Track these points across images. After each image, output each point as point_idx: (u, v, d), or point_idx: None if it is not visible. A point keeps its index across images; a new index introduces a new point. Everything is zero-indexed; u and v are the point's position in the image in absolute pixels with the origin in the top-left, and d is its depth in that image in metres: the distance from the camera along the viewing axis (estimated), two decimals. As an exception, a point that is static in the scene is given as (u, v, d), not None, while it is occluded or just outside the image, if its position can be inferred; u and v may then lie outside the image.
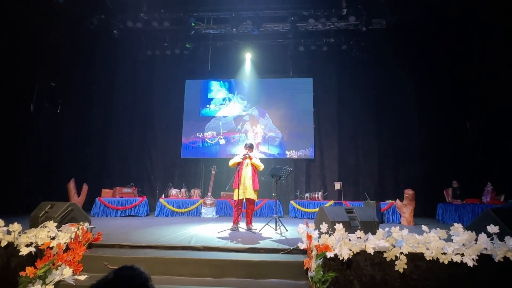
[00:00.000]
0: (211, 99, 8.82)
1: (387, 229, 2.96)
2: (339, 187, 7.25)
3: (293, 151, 8.29)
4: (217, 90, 8.83)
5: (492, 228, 2.64)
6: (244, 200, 4.70)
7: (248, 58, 8.52)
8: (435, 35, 7.53)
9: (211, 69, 8.60)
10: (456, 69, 7.46)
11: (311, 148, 8.23)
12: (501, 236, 2.67)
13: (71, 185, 7.00)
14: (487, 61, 6.85)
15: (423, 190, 7.06)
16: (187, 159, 8.55)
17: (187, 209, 7.10)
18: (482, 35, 6.77)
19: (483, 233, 2.65)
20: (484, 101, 7.02)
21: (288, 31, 7.89)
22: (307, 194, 7.46)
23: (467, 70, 7.29)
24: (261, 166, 4.76)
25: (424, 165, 7.51)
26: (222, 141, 8.52)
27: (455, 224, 2.77)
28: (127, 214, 6.96)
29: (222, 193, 7.40)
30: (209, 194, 7.07)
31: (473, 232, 2.70)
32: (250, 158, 4.71)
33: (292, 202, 7.16)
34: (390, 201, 6.67)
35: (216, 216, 7.03)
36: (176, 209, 7.09)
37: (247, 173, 4.65)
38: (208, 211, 6.96)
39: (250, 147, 4.81)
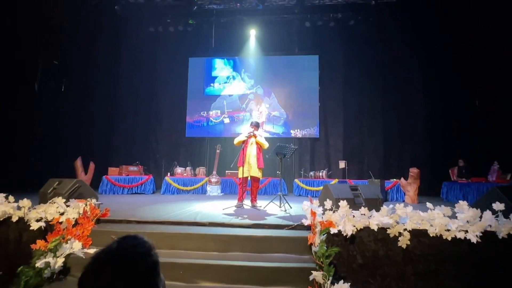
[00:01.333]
0: (215, 77, 8.76)
1: (391, 206, 2.95)
2: (343, 166, 7.24)
3: (298, 130, 8.30)
4: (221, 68, 8.76)
5: (498, 206, 2.64)
6: (249, 178, 4.70)
7: (252, 35, 8.41)
8: (444, 11, 7.38)
9: (214, 46, 8.49)
10: (464, 45, 7.31)
11: (316, 127, 8.23)
12: (506, 214, 2.67)
13: (78, 163, 7.02)
14: (496, 37, 6.75)
15: (429, 169, 7.05)
16: (192, 138, 8.57)
17: (192, 187, 7.18)
18: (491, 9, 6.67)
19: (488, 210, 2.64)
20: (492, 78, 6.92)
21: (293, 6, 7.71)
22: (312, 173, 7.52)
23: (476, 47, 7.16)
24: (266, 145, 4.74)
25: (431, 144, 7.47)
26: (227, 120, 8.52)
27: (460, 202, 2.76)
28: (134, 192, 7.04)
29: (227, 171, 7.47)
30: (214, 172, 7.10)
31: (478, 209, 2.69)
32: (255, 136, 4.69)
33: (296, 180, 7.21)
34: (395, 179, 6.67)
35: (221, 194, 7.08)
36: (181, 187, 7.17)
37: (251, 151, 4.64)
38: (213, 189, 7.00)
39: (256, 125, 4.79)
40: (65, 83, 7.84)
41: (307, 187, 7.12)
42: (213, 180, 7.06)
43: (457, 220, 2.68)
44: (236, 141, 4.76)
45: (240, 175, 4.61)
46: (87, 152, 7.54)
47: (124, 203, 5.13)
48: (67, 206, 3.20)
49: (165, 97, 8.69)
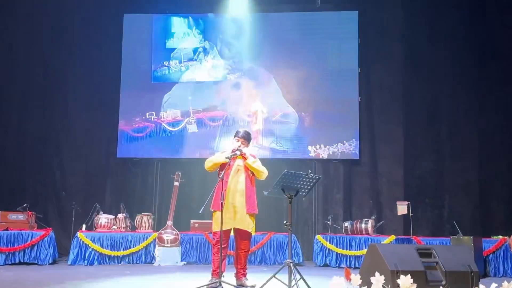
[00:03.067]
0: (172, 50, 8.71)
1: (495, 285, 2.97)
2: (405, 212, 7.18)
3: (321, 145, 8.19)
4: (182, 34, 8.72)
5: None
6: (233, 234, 4.85)
7: (239, -26, 8.50)
8: None
9: (170, -6, 8.69)
10: None
11: (354, 140, 8.13)
12: None
13: None
14: None
15: None
16: (128, 161, 8.56)
17: (128, 251, 7.15)
18: None
19: None
20: None
21: None
22: (347, 224, 7.49)
23: None
24: (263, 172, 4.89)
25: None
26: (192, 128, 8.43)
27: None
28: (18, 261, 6.96)
29: (192, 221, 7.52)
30: (169, 223, 7.12)
31: None
32: (244, 158, 4.86)
33: (319, 237, 7.26)
34: (501, 237, 6.73)
35: (182, 263, 7.11)
36: (108, 251, 7.11)
37: (237, 183, 4.82)
38: (168, 255, 6.99)
39: (244, 137, 4.99)
40: None
41: (339, 250, 7.08)
42: (167, 237, 7.05)
43: None
44: (209, 163, 4.92)
45: (216, 228, 4.72)
46: None
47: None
48: None
49: (78, 88, 8.74)
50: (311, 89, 8.36)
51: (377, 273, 3.21)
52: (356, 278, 3.28)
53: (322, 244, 7.14)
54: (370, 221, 7.30)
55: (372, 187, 8.14)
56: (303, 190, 4.60)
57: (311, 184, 4.58)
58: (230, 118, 8.41)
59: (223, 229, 4.56)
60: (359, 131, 8.16)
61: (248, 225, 4.76)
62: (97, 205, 7.64)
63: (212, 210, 4.82)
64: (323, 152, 8.17)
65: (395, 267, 3.69)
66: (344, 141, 8.13)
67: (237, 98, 8.50)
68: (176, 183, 7.24)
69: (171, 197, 7.24)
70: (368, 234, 7.15)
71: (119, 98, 8.56)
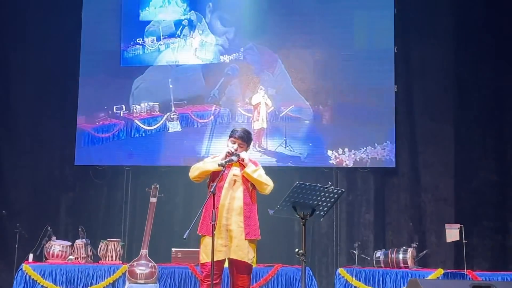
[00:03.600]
0: (147, 23, 8.76)
1: None
2: (456, 238, 7.00)
3: (345, 149, 8.06)
4: (161, 1, 8.74)
5: None
6: (227, 266, 4.88)
7: None
8: None
9: None
10: None
11: (388, 142, 7.96)
12: None
13: None
14: None
15: None
16: (89, 169, 8.59)
17: None
18: None
19: None
20: None
21: None
22: (380, 254, 7.34)
23: None
24: (268, 184, 4.93)
25: None
26: (174, 126, 8.46)
27: None
28: None
29: (174, 249, 7.42)
30: (144, 251, 6.98)
31: None
32: (243, 165, 4.91)
33: (342, 271, 7.12)
34: None
35: None
36: None
37: (234, 200, 4.87)
38: None
39: (242, 138, 5.01)
40: None
41: None
42: (141, 270, 6.88)
43: None
44: (195, 172, 4.98)
45: (205, 258, 4.78)
46: None
47: None
48: None
49: (24, 73, 8.75)
50: (331, 75, 8.21)
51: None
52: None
53: (346, 281, 6.91)
54: (410, 250, 7.08)
55: (412, 205, 7.95)
56: (321, 208, 4.57)
57: (332, 200, 4.56)
58: (223, 114, 8.36)
59: (215, 259, 4.49)
60: (396, 131, 7.96)
61: (247, 254, 4.74)
62: (49, 228, 7.56)
63: (200, 234, 4.84)
64: (348, 158, 8.00)
65: None
66: (376, 144, 7.92)
67: (233, 87, 8.44)
68: (153, 199, 7.18)
69: (146, 217, 7.15)
70: (407, 267, 6.95)
71: (77, 87, 8.55)
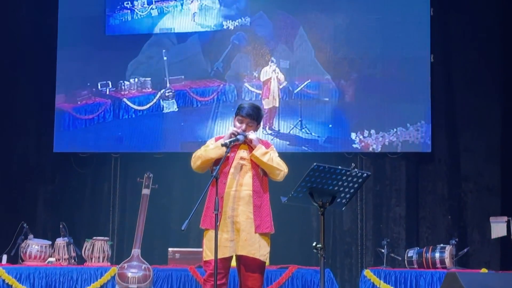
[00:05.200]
0: None
1: None
2: (503, 233, 7.21)
3: (372, 131, 8.16)
4: None
5: None
6: (236, 264, 4.88)
7: None
8: None
9: None
10: None
11: (422, 123, 8.05)
12: None
13: None
14: None
15: None
16: (70, 157, 8.68)
17: None
18: None
19: None
20: None
21: None
22: (412, 252, 7.46)
23: None
24: (281, 169, 4.90)
25: None
26: (170, 105, 8.53)
27: None
28: None
29: (171, 249, 7.58)
30: (136, 251, 7.11)
31: None
32: (250, 148, 4.88)
33: (368, 273, 7.23)
34: None
35: None
36: None
37: (241, 187, 4.84)
38: None
39: (251, 115, 4.97)
40: None
41: None
42: (133, 273, 7.00)
43: None
44: (197, 161, 4.95)
45: (208, 256, 4.74)
46: None
47: None
48: None
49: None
50: (356, 44, 8.27)
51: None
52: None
53: (373, 284, 7.02)
54: (448, 248, 7.16)
55: (451, 196, 8.06)
56: (342, 195, 4.50)
57: (356, 185, 4.49)
58: (229, 91, 8.43)
59: (220, 257, 4.49)
60: (432, 109, 8.04)
61: (259, 250, 4.71)
62: (25, 225, 7.63)
63: (202, 228, 4.80)
64: (375, 142, 8.08)
65: None
66: (408, 125, 7.99)
67: (240, 60, 8.47)
68: (146, 191, 7.23)
69: (138, 212, 7.22)
70: (445, 268, 7.00)
71: (55, 60, 8.59)
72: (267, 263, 4.89)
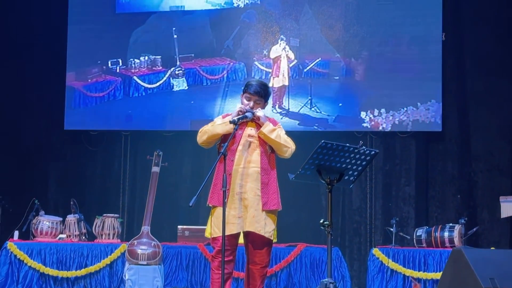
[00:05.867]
0: None
1: None
2: None
3: (382, 110, 8.16)
4: None
5: None
6: (244, 240, 4.89)
7: None
8: None
9: None
10: None
11: (433, 101, 8.03)
12: None
13: None
14: None
15: None
16: (81, 134, 8.66)
17: (84, 271, 7.24)
18: None
19: None
20: None
21: None
22: (421, 231, 7.48)
23: None
24: (288, 146, 4.90)
25: None
26: (180, 83, 8.48)
27: None
28: None
29: (180, 227, 7.61)
30: (145, 228, 7.16)
31: None
32: (258, 125, 4.88)
33: (376, 252, 7.28)
34: None
35: None
36: (53, 271, 7.17)
37: (249, 164, 4.87)
38: (143, 277, 7.04)
39: (258, 92, 4.97)
40: None
41: (408, 271, 7.04)
42: (143, 250, 7.06)
43: None
44: (203, 136, 4.96)
45: (216, 233, 4.77)
46: None
47: None
48: None
49: (1, 22, 8.74)
50: (367, 21, 8.22)
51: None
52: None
53: (382, 263, 7.07)
54: (457, 227, 7.19)
55: (461, 176, 8.05)
56: (350, 172, 4.54)
57: (364, 162, 4.53)
58: (238, 69, 8.40)
59: (227, 233, 4.51)
60: (442, 88, 8.01)
61: (264, 227, 4.72)
62: (36, 202, 7.66)
63: (210, 206, 4.82)
64: (385, 120, 8.08)
65: (492, 283, 3.71)
66: (418, 104, 7.99)
67: (250, 38, 8.44)
68: (155, 169, 7.31)
69: (148, 190, 7.27)
70: (453, 247, 6.84)
71: (66, 37, 8.52)
72: (274, 240, 4.90)
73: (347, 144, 4.47)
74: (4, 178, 8.40)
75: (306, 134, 7.81)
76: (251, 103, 4.84)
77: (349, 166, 4.48)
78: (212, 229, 4.76)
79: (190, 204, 4.50)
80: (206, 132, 4.85)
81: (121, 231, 7.62)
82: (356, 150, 4.43)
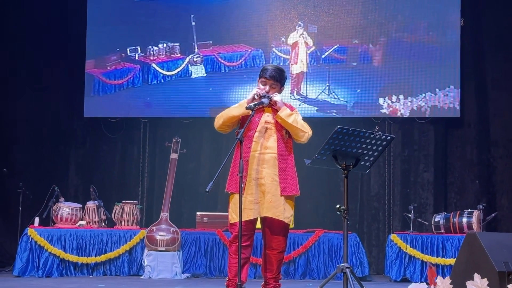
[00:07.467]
0: None
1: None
2: None
3: (400, 96, 8.15)
4: None
5: None
6: (261, 226, 4.91)
7: None
8: None
9: None
10: None
11: (452, 87, 8.01)
12: None
13: None
14: None
15: None
16: (100, 121, 8.76)
17: (103, 257, 7.35)
18: None
19: None
20: None
21: None
22: (439, 217, 7.49)
23: None
24: (305, 131, 4.87)
25: None
26: (199, 70, 8.50)
27: None
28: None
29: (199, 213, 7.69)
30: (164, 215, 7.22)
31: None
32: (275, 109, 4.88)
33: (394, 237, 7.34)
34: None
35: (184, 276, 7.25)
36: (73, 257, 7.28)
37: (266, 150, 4.86)
38: (162, 263, 7.10)
39: (274, 77, 4.96)
40: None
41: (426, 257, 7.07)
42: (161, 237, 7.12)
43: None
44: (220, 120, 4.97)
45: (234, 218, 4.78)
46: None
47: None
48: None
49: (21, 10, 8.79)
50: (385, 7, 8.20)
51: (476, 276, 3.31)
52: (444, 282, 3.44)
53: (400, 248, 7.11)
54: (475, 213, 7.20)
55: (480, 161, 8.06)
56: (366, 157, 4.55)
57: (380, 148, 4.53)
58: (257, 56, 8.42)
59: (244, 219, 4.55)
60: (461, 73, 7.97)
61: (283, 212, 4.71)
62: (56, 188, 7.71)
63: (228, 192, 4.85)
64: (403, 106, 8.07)
65: (506, 267, 3.67)
66: (437, 90, 7.98)
67: (267, 24, 8.37)
68: (174, 155, 7.31)
69: (167, 176, 7.27)
70: (471, 230, 6.80)
71: (85, 25, 8.58)
72: (291, 225, 4.90)
73: (363, 130, 4.45)
74: (24, 165, 8.50)
75: (324, 121, 7.83)
76: (267, 88, 4.83)
77: (365, 152, 4.49)
78: (230, 215, 4.81)
79: (207, 189, 4.50)
80: (222, 116, 4.88)
81: (140, 218, 7.67)
82: (371, 136, 4.44)
